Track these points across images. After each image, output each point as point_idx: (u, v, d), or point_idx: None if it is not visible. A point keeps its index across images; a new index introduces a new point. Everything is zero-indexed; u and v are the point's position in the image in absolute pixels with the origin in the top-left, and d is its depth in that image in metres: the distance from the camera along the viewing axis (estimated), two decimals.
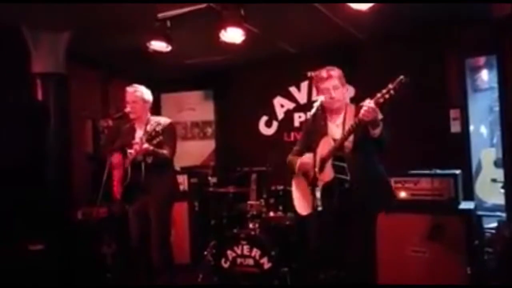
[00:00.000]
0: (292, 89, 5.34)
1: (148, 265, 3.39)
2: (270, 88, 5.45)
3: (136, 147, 3.20)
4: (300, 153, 2.91)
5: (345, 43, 4.68)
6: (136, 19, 3.77)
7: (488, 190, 4.57)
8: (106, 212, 4.23)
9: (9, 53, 4.13)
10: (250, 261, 3.71)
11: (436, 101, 4.40)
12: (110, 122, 3.62)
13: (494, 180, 4.32)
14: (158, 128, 3.15)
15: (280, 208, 4.09)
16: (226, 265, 3.79)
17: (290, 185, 3.04)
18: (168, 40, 3.81)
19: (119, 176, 3.46)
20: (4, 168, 3.91)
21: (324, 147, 2.67)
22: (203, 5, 3.54)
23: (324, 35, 4.46)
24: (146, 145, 3.16)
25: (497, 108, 4.00)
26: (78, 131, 4.99)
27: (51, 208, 4.07)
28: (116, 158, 3.45)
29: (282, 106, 5.42)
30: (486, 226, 4.07)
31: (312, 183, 2.57)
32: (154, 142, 3.17)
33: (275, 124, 5.48)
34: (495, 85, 3.91)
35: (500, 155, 3.93)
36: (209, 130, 6.09)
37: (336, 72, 2.72)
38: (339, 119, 2.75)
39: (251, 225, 3.93)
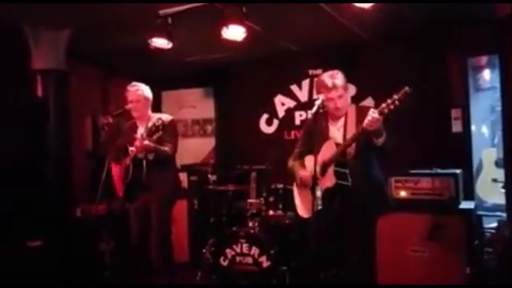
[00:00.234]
0: (293, 87, 5.32)
1: (147, 264, 3.38)
2: (271, 86, 5.43)
3: (137, 143, 3.19)
4: (301, 155, 2.91)
5: (346, 42, 4.66)
6: (136, 17, 3.75)
7: (488, 190, 4.56)
8: (105, 209, 4.22)
9: (9, 51, 4.12)
10: (249, 260, 3.71)
11: (437, 100, 4.38)
12: (110, 119, 3.61)
13: (495, 180, 4.31)
14: (158, 123, 3.14)
15: (280, 206, 4.08)
16: (225, 263, 3.78)
17: (290, 184, 3.04)
18: (169, 37, 3.80)
19: (120, 173, 3.45)
20: (3, 166, 3.90)
21: (326, 151, 2.67)
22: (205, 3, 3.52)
23: (325, 33, 4.44)
24: (146, 142, 3.15)
25: (499, 108, 3.99)
26: (78, 128, 4.98)
27: (50, 205, 4.06)
28: (116, 170, 3.46)
29: (283, 104, 5.41)
30: (486, 226, 4.05)
31: (313, 186, 2.57)
32: (154, 137, 3.15)
33: (275, 122, 5.47)
34: (497, 84, 3.88)
35: (501, 155, 3.91)
36: (209, 128, 6.08)
37: (340, 80, 2.70)
38: (341, 122, 2.76)
39: (250, 224, 3.92)
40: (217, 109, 6.02)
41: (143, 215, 3.39)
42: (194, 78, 5.98)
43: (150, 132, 3.16)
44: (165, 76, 5.71)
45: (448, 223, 3.53)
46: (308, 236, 3.46)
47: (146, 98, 3.49)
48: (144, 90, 3.49)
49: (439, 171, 3.77)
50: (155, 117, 3.43)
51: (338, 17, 3.95)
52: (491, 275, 3.52)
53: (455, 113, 4.32)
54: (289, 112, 5.36)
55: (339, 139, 2.69)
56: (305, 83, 5.24)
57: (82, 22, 3.94)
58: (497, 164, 4.56)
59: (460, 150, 4.29)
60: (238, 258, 3.75)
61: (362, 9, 3.25)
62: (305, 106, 5.18)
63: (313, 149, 2.64)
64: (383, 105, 2.37)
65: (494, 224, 3.89)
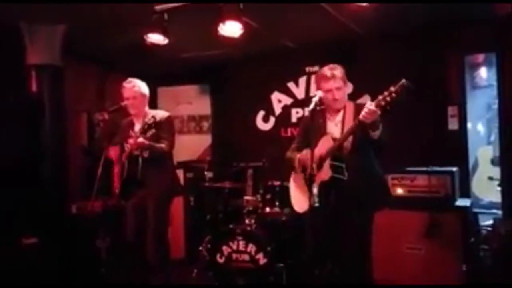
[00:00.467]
0: (290, 85, 5.30)
1: (143, 261, 3.37)
2: (268, 83, 5.41)
3: (131, 141, 3.17)
4: (298, 150, 2.90)
5: (344, 39, 4.65)
6: (132, 13, 3.72)
7: (484, 187, 4.59)
8: (101, 206, 4.19)
9: (3, 47, 4.08)
10: (246, 257, 3.70)
11: (434, 98, 4.38)
12: (106, 116, 3.60)
13: (490, 178, 4.33)
14: (150, 121, 3.12)
15: (277, 203, 4.06)
16: (221, 261, 3.78)
17: (287, 181, 3.03)
18: (165, 33, 3.77)
19: (116, 170, 3.43)
20: None
21: (323, 145, 2.66)
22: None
23: (323, 31, 4.43)
24: (140, 139, 3.13)
25: (495, 106, 4.00)
26: (73, 125, 4.95)
27: (46, 202, 4.04)
28: (114, 151, 3.41)
29: (279, 101, 5.39)
30: (482, 223, 4.07)
31: (309, 180, 2.56)
32: (148, 135, 3.13)
33: (272, 119, 5.45)
34: (494, 82, 3.90)
35: (497, 153, 3.93)
36: (206, 125, 6.06)
37: (339, 71, 2.70)
38: (338, 117, 2.75)
39: (247, 221, 3.91)
40: (214, 105, 6.00)
41: (139, 212, 3.37)
42: (190, 74, 5.94)
43: (144, 130, 3.14)
44: (161, 73, 5.67)
45: (444, 220, 3.54)
46: (305, 232, 3.46)
47: (143, 95, 3.46)
48: (141, 86, 3.46)
49: (436, 168, 3.78)
50: (151, 114, 3.41)
51: (336, 14, 3.94)
52: (487, 273, 3.53)
53: (451, 110, 4.32)
54: (286, 109, 5.35)
55: (337, 134, 2.68)
56: (302, 80, 5.22)
57: (78, 18, 3.91)
58: (493, 162, 4.59)
59: (456, 147, 4.30)
60: (234, 255, 3.74)
61: (360, 6, 3.25)
62: (302, 103, 5.18)
63: (310, 145, 2.63)
64: (380, 97, 2.36)
65: (490, 222, 3.91)
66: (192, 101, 6.10)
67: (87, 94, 5.32)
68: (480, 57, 4.62)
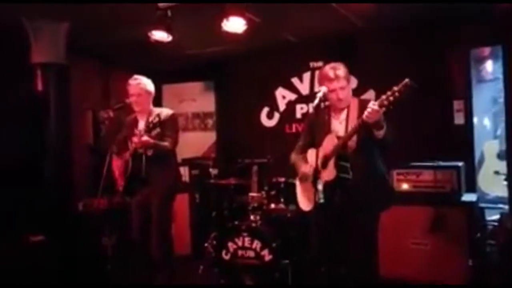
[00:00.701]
0: (294, 80, 5.29)
1: (148, 258, 3.38)
2: (272, 79, 5.40)
3: (135, 139, 3.17)
4: (304, 149, 2.90)
5: (347, 34, 4.63)
6: (136, 10, 3.72)
7: (490, 182, 4.55)
8: (107, 204, 4.22)
9: (8, 46, 4.10)
10: (251, 253, 3.70)
11: (439, 92, 4.35)
12: (111, 113, 3.61)
13: (497, 173, 4.30)
14: (155, 120, 3.12)
15: (282, 200, 4.06)
16: (227, 257, 3.78)
17: (292, 178, 3.02)
18: (169, 30, 3.78)
19: (120, 168, 3.44)
20: (3, 162, 3.90)
21: (328, 145, 2.66)
22: None
23: (326, 26, 4.41)
24: (145, 138, 3.13)
25: (501, 100, 3.96)
26: (79, 123, 4.97)
27: (52, 200, 4.06)
28: (116, 164, 3.44)
29: (284, 97, 5.38)
30: (488, 218, 4.05)
31: (314, 177, 2.56)
32: (153, 133, 3.14)
33: (276, 115, 5.44)
34: (500, 76, 3.86)
35: (503, 148, 3.89)
36: (210, 122, 6.06)
37: (342, 71, 2.68)
38: (343, 115, 2.74)
39: (252, 217, 3.91)
40: (218, 102, 6.00)
41: (144, 209, 3.38)
42: (194, 71, 5.94)
43: (148, 128, 3.14)
44: (166, 69, 5.68)
45: (450, 215, 3.52)
46: (310, 230, 3.46)
47: (148, 92, 3.45)
48: (146, 83, 3.45)
49: (441, 163, 3.76)
50: (155, 111, 3.41)
51: (340, 9, 3.92)
52: (494, 268, 3.52)
53: (457, 104, 4.29)
54: (290, 105, 5.34)
55: (341, 133, 2.67)
56: (306, 75, 5.21)
57: (82, 16, 3.91)
58: (499, 156, 4.54)
59: (462, 142, 4.27)
60: (240, 252, 3.75)
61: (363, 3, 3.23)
62: (306, 99, 5.16)
63: (315, 143, 2.61)
64: (383, 97, 2.35)
65: (497, 217, 3.89)
66: (196, 98, 6.11)
67: (92, 92, 5.34)
68: (486, 50, 4.57)
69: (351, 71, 2.81)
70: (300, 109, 5.27)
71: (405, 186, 3.78)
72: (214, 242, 4.12)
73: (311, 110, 4.52)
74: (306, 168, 2.79)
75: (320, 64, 4.93)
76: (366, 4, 3.26)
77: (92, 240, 4.20)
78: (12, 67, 4.15)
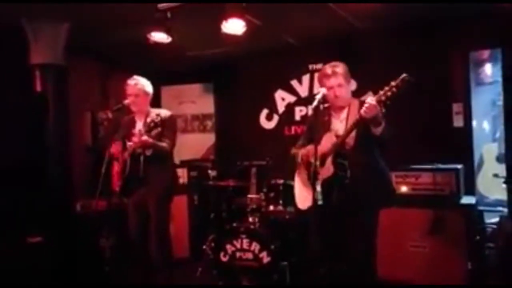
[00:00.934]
0: (294, 82, 5.29)
1: (146, 259, 3.37)
2: (271, 81, 5.41)
3: (135, 139, 3.17)
4: (303, 147, 2.89)
5: (347, 36, 4.63)
6: (136, 11, 3.72)
7: (489, 185, 4.55)
8: (105, 205, 4.20)
9: (7, 47, 4.09)
10: (249, 255, 3.69)
11: (439, 95, 4.35)
12: (110, 114, 3.60)
13: (496, 175, 4.29)
14: (157, 120, 3.12)
15: (280, 202, 4.05)
16: (225, 259, 3.77)
17: (291, 179, 3.01)
18: (168, 31, 3.77)
19: (118, 168, 3.43)
20: (2, 162, 3.88)
21: (327, 142, 2.65)
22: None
23: (326, 28, 4.42)
24: (145, 137, 3.13)
25: (500, 103, 3.97)
26: (77, 124, 4.96)
27: (50, 201, 4.05)
28: (116, 147, 3.40)
29: (283, 99, 5.38)
30: (487, 221, 4.04)
31: (313, 177, 2.54)
32: (153, 133, 3.13)
33: (275, 117, 5.44)
34: (499, 79, 3.86)
35: (502, 150, 3.89)
36: (209, 123, 6.06)
37: (341, 68, 2.68)
38: (343, 115, 2.74)
39: (250, 219, 3.90)
40: (217, 104, 6.00)
41: (140, 209, 3.37)
42: (194, 73, 5.95)
43: (149, 128, 3.14)
44: (165, 71, 5.68)
45: (449, 218, 3.51)
46: (309, 230, 3.45)
47: (146, 93, 3.44)
48: (144, 85, 3.44)
49: (440, 166, 3.75)
50: (154, 112, 3.41)
51: (339, 10, 3.92)
52: (493, 271, 3.50)
53: (456, 107, 4.30)
54: (289, 107, 5.34)
55: (341, 131, 2.66)
56: (306, 78, 5.21)
57: (81, 16, 3.91)
58: (498, 159, 4.55)
59: (461, 145, 4.27)
60: (238, 254, 3.74)
61: (363, 4, 3.23)
62: (306, 101, 5.16)
63: (314, 141, 2.61)
64: (381, 92, 2.35)
65: (496, 220, 3.88)
66: (195, 100, 6.10)
67: (91, 93, 5.33)
68: (485, 53, 4.58)
69: (351, 73, 2.80)
70: (299, 111, 5.27)
71: (404, 189, 3.77)
72: (213, 244, 4.11)
73: (310, 112, 4.51)
74: (305, 151, 2.77)
75: (319, 66, 4.93)
76: (365, 4, 3.26)
77: (90, 241, 4.18)
78: (11, 68, 4.14)
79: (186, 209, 4.90)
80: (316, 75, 4.77)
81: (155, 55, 4.61)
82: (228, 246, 3.77)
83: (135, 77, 3.45)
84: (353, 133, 2.57)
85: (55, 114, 4.18)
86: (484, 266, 3.59)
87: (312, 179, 2.54)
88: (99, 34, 4.40)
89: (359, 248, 2.61)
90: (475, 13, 3.98)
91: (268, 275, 3.61)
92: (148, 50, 4.24)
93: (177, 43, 3.97)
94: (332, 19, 4.09)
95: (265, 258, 3.64)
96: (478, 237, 3.67)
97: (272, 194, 4.08)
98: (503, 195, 3.81)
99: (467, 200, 3.73)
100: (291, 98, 5.32)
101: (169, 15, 3.70)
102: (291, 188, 3.05)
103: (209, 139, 6.04)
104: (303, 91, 5.24)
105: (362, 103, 2.68)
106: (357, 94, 4.29)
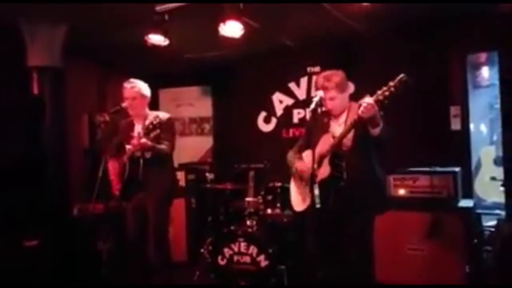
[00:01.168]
0: (292, 85, 5.29)
1: (144, 263, 3.35)
2: (269, 84, 5.41)
3: (134, 141, 3.14)
4: (301, 149, 2.89)
5: (345, 39, 4.64)
6: (133, 13, 3.72)
7: (487, 188, 4.55)
8: (102, 208, 4.18)
9: (4, 48, 4.08)
10: (247, 259, 3.68)
11: (436, 98, 4.36)
12: (107, 117, 3.57)
13: (493, 178, 4.29)
14: (156, 122, 3.10)
15: (278, 205, 4.05)
16: (222, 262, 3.76)
17: (288, 182, 3.01)
18: (165, 34, 3.77)
19: (116, 171, 3.41)
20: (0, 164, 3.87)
21: (324, 144, 2.65)
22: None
23: (324, 30, 4.42)
24: (144, 140, 3.11)
25: (497, 106, 3.97)
26: (74, 126, 4.95)
27: (47, 204, 4.03)
28: (112, 164, 3.40)
29: (281, 102, 5.38)
30: (485, 224, 4.04)
31: (311, 181, 2.54)
32: (152, 136, 3.11)
33: (273, 120, 5.44)
34: (496, 82, 3.87)
35: (500, 153, 3.90)
36: (207, 126, 6.05)
37: (333, 81, 2.65)
38: (342, 118, 2.73)
39: (248, 222, 3.89)
40: (215, 107, 5.99)
41: (140, 213, 3.35)
42: (191, 75, 5.94)
43: (148, 131, 3.12)
44: (163, 73, 5.67)
45: (446, 221, 3.51)
46: (306, 233, 3.43)
47: (143, 96, 3.42)
48: (141, 87, 3.42)
49: (438, 169, 3.75)
50: (152, 115, 3.39)
51: (337, 13, 3.92)
52: (491, 274, 3.50)
53: (454, 110, 4.30)
54: (287, 110, 5.34)
55: (339, 134, 2.65)
56: (303, 80, 5.21)
57: (79, 18, 3.91)
58: (495, 162, 4.55)
59: (459, 148, 4.28)
60: (236, 257, 3.73)
61: (361, 5, 3.24)
62: (303, 103, 5.16)
63: (312, 144, 2.60)
64: (378, 92, 2.34)
65: (493, 223, 3.88)
66: (193, 103, 6.10)
67: (88, 95, 5.33)
68: (482, 56, 4.59)
69: (349, 76, 2.80)
70: (297, 114, 5.27)
71: (401, 192, 3.76)
72: (210, 247, 4.09)
73: (308, 114, 4.51)
74: (301, 165, 2.77)
75: (317, 69, 4.94)
76: (363, 6, 3.26)
77: (88, 244, 4.16)
78: (8, 69, 4.12)
79: (184, 212, 4.88)
80: (314, 77, 4.77)
81: (152, 57, 4.60)
82: (226, 250, 3.76)
83: (132, 80, 3.43)
84: (351, 134, 2.56)
85: (52, 116, 4.17)
86: (481, 269, 3.59)
87: (310, 183, 2.53)
88: (96, 36, 4.39)
89: (353, 251, 2.60)
90: (473, 15, 3.99)
91: (265, 278, 3.60)
92: (145, 53, 4.24)
93: (175, 46, 3.97)
94: (329, 21, 4.10)
95: (263, 261, 3.63)
96: (476, 240, 3.67)
97: (270, 197, 4.08)
98: (500, 198, 3.81)
99: (464, 203, 3.73)
100: (289, 101, 5.32)
101: (166, 17, 3.70)
102: (288, 191, 3.04)
103: (207, 142, 6.03)
104: (301, 93, 5.24)
105: (360, 106, 2.69)
106: (355, 96, 4.29)
